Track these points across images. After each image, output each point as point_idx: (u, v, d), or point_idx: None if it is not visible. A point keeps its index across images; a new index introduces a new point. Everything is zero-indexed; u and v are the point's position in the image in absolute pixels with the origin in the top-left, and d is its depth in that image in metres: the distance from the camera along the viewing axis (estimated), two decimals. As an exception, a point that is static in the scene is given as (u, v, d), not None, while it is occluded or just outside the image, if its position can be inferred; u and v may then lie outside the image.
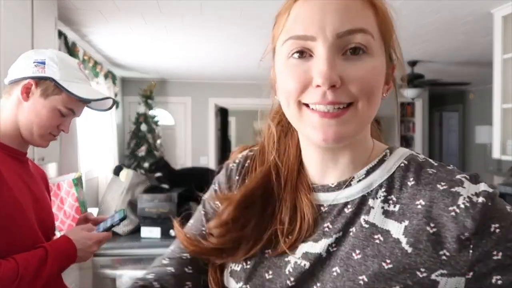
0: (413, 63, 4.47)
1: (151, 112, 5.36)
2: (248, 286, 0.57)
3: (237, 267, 0.59)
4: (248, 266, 0.58)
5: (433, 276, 0.49)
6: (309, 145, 0.59)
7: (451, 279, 0.49)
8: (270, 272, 0.56)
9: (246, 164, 0.67)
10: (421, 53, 4.12)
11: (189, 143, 5.99)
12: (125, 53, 4.06)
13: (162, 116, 5.64)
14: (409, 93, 4.70)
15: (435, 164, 0.55)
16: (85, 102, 1.17)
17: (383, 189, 0.54)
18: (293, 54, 0.51)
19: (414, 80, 4.54)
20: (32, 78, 1.09)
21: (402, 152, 0.58)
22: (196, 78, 5.75)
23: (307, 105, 0.51)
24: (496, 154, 2.79)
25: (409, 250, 0.50)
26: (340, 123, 0.50)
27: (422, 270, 0.49)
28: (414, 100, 6.39)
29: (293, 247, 0.56)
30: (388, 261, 0.50)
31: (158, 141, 5.44)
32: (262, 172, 0.62)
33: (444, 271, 0.49)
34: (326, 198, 0.58)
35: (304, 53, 0.51)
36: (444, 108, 7.99)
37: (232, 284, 0.59)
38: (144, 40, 3.51)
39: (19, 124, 1.10)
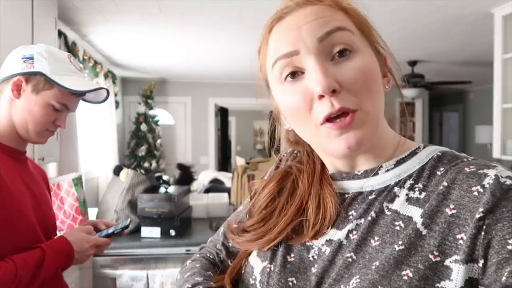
0: (413, 63, 4.47)
1: (151, 112, 5.35)
2: (272, 266, 0.58)
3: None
4: (275, 248, 0.60)
5: (446, 262, 0.44)
6: (326, 158, 0.61)
7: (463, 266, 0.44)
8: (292, 255, 0.57)
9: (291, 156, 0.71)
10: (421, 53, 4.12)
11: (189, 143, 5.99)
12: (125, 53, 4.05)
13: (162, 116, 5.63)
14: (409, 93, 4.70)
15: (475, 159, 0.52)
16: (78, 94, 1.13)
17: (411, 179, 0.53)
18: (286, 77, 0.52)
19: (413, 79, 4.53)
20: (22, 74, 1.06)
21: (437, 147, 0.56)
22: (196, 78, 5.75)
23: (321, 124, 0.51)
24: (496, 154, 2.79)
25: (424, 231, 0.47)
26: (356, 127, 0.50)
27: (436, 253, 0.45)
28: (414, 100, 6.39)
29: (316, 236, 0.57)
30: (400, 242, 0.47)
31: (158, 141, 5.43)
32: (281, 173, 0.67)
33: (458, 257, 0.44)
34: (352, 186, 0.58)
35: (295, 74, 0.52)
36: (444, 108, 7.99)
37: (257, 263, 0.60)
38: (144, 40, 3.51)
39: (15, 123, 1.08)
